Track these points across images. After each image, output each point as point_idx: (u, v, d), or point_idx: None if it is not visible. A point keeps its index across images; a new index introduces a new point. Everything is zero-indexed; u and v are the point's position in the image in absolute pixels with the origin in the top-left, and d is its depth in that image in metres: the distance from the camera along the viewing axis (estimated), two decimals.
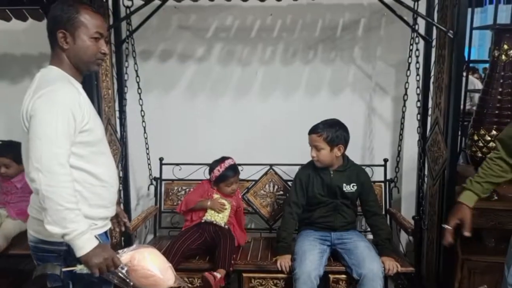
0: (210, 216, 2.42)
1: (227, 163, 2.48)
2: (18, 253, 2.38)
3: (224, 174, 2.45)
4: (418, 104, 2.46)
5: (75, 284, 1.49)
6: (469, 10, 2.41)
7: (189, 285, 2.28)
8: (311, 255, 2.17)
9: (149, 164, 2.85)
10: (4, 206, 2.62)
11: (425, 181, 2.57)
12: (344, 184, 2.33)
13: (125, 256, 1.45)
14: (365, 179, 2.40)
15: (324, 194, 2.34)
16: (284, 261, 2.25)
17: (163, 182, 2.82)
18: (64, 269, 1.40)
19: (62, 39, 1.44)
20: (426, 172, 2.56)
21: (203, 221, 2.42)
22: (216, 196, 2.47)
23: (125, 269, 1.43)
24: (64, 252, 1.43)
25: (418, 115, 2.48)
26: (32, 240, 1.50)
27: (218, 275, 2.15)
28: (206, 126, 2.93)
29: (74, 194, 1.35)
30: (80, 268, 1.38)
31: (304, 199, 2.38)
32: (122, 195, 2.71)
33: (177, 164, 2.80)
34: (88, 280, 1.48)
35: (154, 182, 2.82)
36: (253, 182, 2.78)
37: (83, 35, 1.45)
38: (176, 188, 2.81)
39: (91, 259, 1.36)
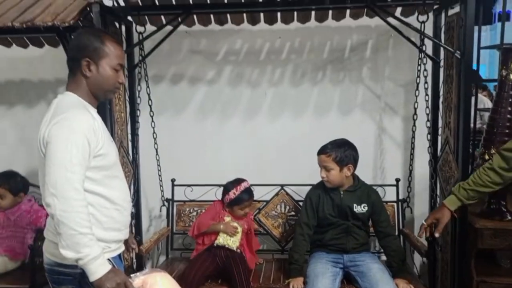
0: (223, 239, 2.39)
1: (243, 186, 2.45)
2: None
3: (240, 197, 2.41)
4: (428, 124, 2.47)
5: None
6: (477, 28, 2.43)
7: None
8: (324, 279, 2.15)
9: (161, 186, 2.87)
10: None
11: (437, 201, 2.55)
12: (355, 205, 2.32)
13: (137, 280, 1.46)
14: (375, 199, 2.38)
15: (335, 215, 2.33)
16: (297, 284, 2.24)
17: (175, 203, 2.84)
18: None
19: (86, 67, 1.49)
20: (438, 192, 2.55)
21: (215, 245, 2.39)
22: (227, 219, 2.44)
23: None
24: (79, 275, 1.45)
25: (429, 135, 2.48)
26: (47, 263, 1.52)
27: None
28: (217, 147, 2.96)
29: (88, 219, 1.38)
30: None
31: (315, 220, 2.37)
32: (134, 217, 2.73)
33: (189, 185, 2.82)
34: None
35: (166, 204, 2.84)
36: (265, 203, 2.78)
37: (106, 65, 1.51)
38: (188, 209, 2.82)
39: (104, 283, 1.37)
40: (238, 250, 2.42)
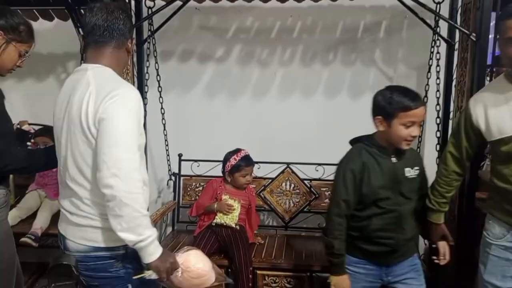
0: (220, 218, 2.44)
1: (243, 153, 2.49)
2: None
3: (240, 164, 2.45)
4: (438, 107, 2.42)
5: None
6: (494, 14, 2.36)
7: None
8: None
9: (168, 160, 2.91)
10: (42, 187, 2.77)
11: None
12: (407, 169, 1.76)
13: (179, 259, 1.46)
14: (421, 160, 1.90)
15: (386, 188, 1.73)
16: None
17: (181, 178, 2.90)
18: (134, 277, 1.39)
19: (130, 43, 1.48)
20: None
21: (213, 224, 2.44)
22: (224, 197, 2.47)
23: (180, 271, 1.44)
24: (121, 256, 1.39)
25: (437, 119, 2.44)
26: (82, 250, 1.40)
27: None
28: (224, 126, 2.96)
29: (145, 200, 1.35)
30: (149, 274, 1.37)
31: (356, 197, 1.75)
32: None
33: (195, 161, 2.86)
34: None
35: (173, 178, 2.91)
36: (270, 180, 2.81)
37: (132, 42, 1.52)
38: (194, 184, 2.89)
39: (161, 264, 1.36)
40: (237, 227, 2.45)
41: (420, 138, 2.66)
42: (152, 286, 1.44)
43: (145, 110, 2.67)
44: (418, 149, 2.69)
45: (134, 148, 1.30)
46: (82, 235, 1.39)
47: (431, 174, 2.67)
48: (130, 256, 1.38)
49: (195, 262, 1.50)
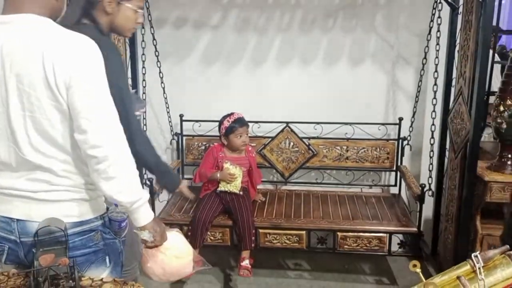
0: (223, 187, 2.52)
1: (236, 115, 2.56)
2: None
3: (233, 126, 2.52)
4: (435, 75, 2.37)
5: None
6: None
7: (211, 238, 2.46)
8: None
9: (170, 122, 2.90)
10: None
11: (446, 154, 2.49)
12: None
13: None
14: None
15: None
16: None
17: (184, 138, 2.93)
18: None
19: None
20: (447, 146, 2.48)
21: (217, 191, 2.53)
22: (226, 165, 2.52)
23: (165, 248, 1.38)
24: (101, 226, 1.28)
25: (434, 86, 2.38)
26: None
27: (247, 264, 2.35)
28: (222, 95, 2.89)
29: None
30: (148, 236, 1.31)
31: None
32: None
33: (197, 121, 2.88)
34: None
35: (175, 138, 2.93)
36: (270, 139, 2.86)
37: None
38: (196, 143, 2.95)
39: (157, 225, 1.32)
40: (241, 192, 2.52)
41: (416, 100, 2.63)
42: (122, 256, 1.38)
43: (143, 80, 2.69)
44: (413, 117, 2.66)
45: (112, 103, 1.19)
46: (58, 212, 1.20)
47: (426, 143, 2.67)
48: (106, 225, 1.30)
49: (181, 241, 1.44)
